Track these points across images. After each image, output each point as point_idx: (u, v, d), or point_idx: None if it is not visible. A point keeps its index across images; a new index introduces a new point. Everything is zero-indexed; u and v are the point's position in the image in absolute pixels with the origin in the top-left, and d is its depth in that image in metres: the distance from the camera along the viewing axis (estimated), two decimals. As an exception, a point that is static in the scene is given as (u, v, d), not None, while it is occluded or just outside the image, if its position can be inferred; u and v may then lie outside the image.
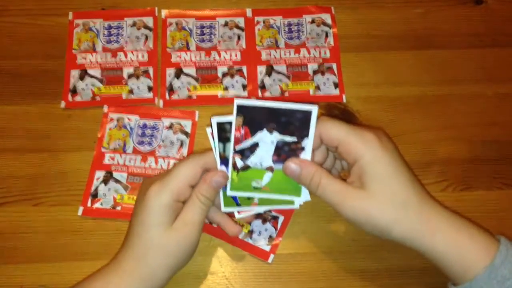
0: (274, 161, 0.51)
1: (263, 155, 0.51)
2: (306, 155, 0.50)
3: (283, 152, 0.50)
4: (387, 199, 0.48)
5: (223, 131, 0.50)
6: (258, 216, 0.59)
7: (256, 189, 0.52)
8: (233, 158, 0.51)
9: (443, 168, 0.63)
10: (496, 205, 0.62)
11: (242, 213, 0.54)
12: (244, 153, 0.51)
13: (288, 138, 0.50)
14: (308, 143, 0.50)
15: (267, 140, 0.50)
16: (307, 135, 0.49)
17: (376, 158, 0.48)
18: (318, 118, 0.49)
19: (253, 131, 0.50)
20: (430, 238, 0.48)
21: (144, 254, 0.49)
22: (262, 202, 0.53)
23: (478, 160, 0.64)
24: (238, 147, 0.50)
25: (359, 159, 0.48)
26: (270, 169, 0.51)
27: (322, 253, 0.59)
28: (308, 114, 0.48)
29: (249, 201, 0.53)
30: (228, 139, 0.50)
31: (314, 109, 0.48)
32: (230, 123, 0.50)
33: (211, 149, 0.51)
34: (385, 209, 0.48)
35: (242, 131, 0.50)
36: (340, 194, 0.49)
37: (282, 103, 0.49)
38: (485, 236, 0.49)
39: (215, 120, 0.50)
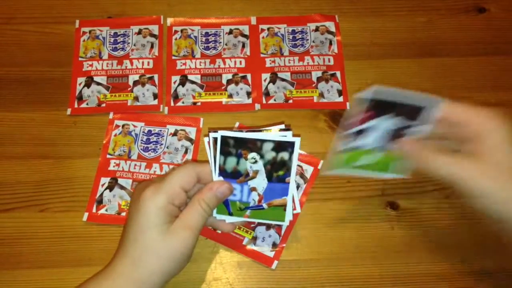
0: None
1: (375, 139, 0.52)
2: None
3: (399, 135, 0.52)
4: (507, 171, 0.47)
5: (226, 145, 0.50)
6: (262, 222, 0.59)
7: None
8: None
9: (447, 175, 0.63)
10: (500, 212, 0.62)
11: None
12: (360, 134, 0.52)
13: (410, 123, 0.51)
14: (424, 128, 0.51)
15: (383, 127, 0.51)
16: (423, 122, 0.50)
17: (497, 130, 0.47)
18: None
19: (378, 114, 0.51)
20: None
21: (140, 257, 0.48)
22: (254, 215, 0.54)
23: (481, 167, 0.64)
24: (358, 128, 0.51)
25: (481, 131, 0.48)
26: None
27: (326, 259, 0.59)
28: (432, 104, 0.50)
29: (241, 212, 0.54)
30: (230, 153, 0.50)
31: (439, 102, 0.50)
32: (234, 138, 0.50)
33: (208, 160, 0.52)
34: (505, 181, 0.47)
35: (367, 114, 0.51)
36: (458, 168, 0.48)
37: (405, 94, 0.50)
38: None
39: (220, 133, 0.50)
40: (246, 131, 0.50)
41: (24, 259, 0.59)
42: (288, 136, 0.50)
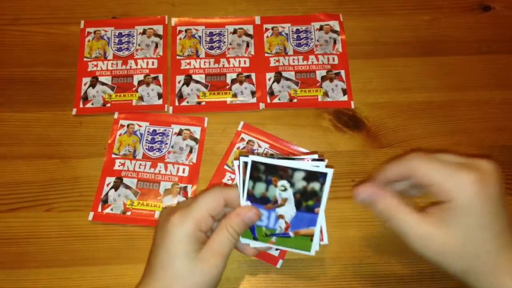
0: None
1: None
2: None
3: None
4: (464, 248, 0.45)
5: (256, 171, 0.49)
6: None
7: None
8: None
9: (452, 174, 0.63)
10: (505, 211, 0.62)
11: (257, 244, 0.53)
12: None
13: None
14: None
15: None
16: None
17: (467, 204, 0.45)
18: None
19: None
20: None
21: (169, 285, 0.47)
22: (279, 242, 0.52)
23: (487, 165, 0.64)
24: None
25: (450, 200, 0.45)
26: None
27: (331, 258, 0.59)
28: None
29: (266, 238, 0.52)
30: (260, 179, 0.49)
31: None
32: (264, 164, 0.49)
33: (230, 183, 0.52)
34: (459, 257, 0.45)
35: None
36: (414, 232, 0.47)
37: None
38: None
39: (251, 158, 0.49)
40: (278, 158, 0.49)
41: (30, 258, 0.59)
42: (321, 167, 0.48)
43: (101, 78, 0.68)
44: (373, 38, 0.72)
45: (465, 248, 0.45)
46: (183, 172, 0.63)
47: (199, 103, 0.67)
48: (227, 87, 0.68)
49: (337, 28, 0.72)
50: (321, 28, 0.72)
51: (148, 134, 0.65)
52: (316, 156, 0.50)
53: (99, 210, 0.61)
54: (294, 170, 0.48)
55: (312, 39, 0.71)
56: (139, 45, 0.71)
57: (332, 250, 0.59)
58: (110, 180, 0.62)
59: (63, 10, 0.73)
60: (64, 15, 0.73)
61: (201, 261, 0.47)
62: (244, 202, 0.50)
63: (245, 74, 0.69)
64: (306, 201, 0.50)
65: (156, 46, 0.71)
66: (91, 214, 0.61)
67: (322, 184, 0.48)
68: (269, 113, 0.67)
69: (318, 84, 0.68)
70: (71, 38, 0.71)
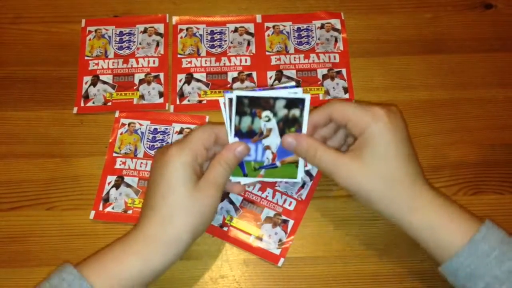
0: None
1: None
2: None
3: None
4: (379, 175, 0.50)
5: (241, 105, 0.52)
6: (268, 220, 0.60)
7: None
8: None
9: (454, 172, 0.63)
10: (507, 209, 0.61)
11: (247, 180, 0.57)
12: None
13: None
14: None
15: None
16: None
17: (379, 133, 0.50)
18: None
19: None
20: (408, 215, 0.50)
21: (169, 215, 0.49)
22: (268, 174, 0.56)
23: (488, 164, 0.64)
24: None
25: (364, 131, 0.50)
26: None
27: (333, 257, 0.59)
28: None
29: (255, 172, 0.56)
30: (245, 113, 0.52)
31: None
32: (248, 98, 0.51)
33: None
34: (376, 184, 0.50)
35: None
36: (335, 164, 0.51)
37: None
38: (469, 219, 0.50)
39: (235, 93, 0.51)
40: (259, 89, 0.52)
41: (32, 257, 0.59)
42: (298, 93, 0.52)
43: (102, 77, 0.68)
44: (375, 36, 0.71)
45: (380, 175, 0.50)
46: (184, 170, 0.63)
47: (200, 101, 0.67)
48: (228, 85, 0.68)
49: (338, 26, 0.72)
50: (322, 27, 0.72)
51: (149, 133, 0.65)
52: (293, 83, 0.55)
53: (100, 208, 0.61)
54: (275, 99, 0.52)
55: (313, 37, 0.71)
56: (140, 43, 0.70)
57: (334, 248, 0.59)
58: (111, 178, 0.62)
59: (64, 8, 0.73)
60: (65, 13, 0.73)
61: (199, 190, 0.50)
62: (232, 139, 0.53)
63: (246, 72, 0.69)
64: (289, 129, 0.53)
65: (157, 45, 0.70)
66: (92, 212, 0.61)
67: (302, 110, 0.52)
68: (270, 112, 0.67)
69: (319, 83, 0.68)
70: (72, 36, 0.71)
